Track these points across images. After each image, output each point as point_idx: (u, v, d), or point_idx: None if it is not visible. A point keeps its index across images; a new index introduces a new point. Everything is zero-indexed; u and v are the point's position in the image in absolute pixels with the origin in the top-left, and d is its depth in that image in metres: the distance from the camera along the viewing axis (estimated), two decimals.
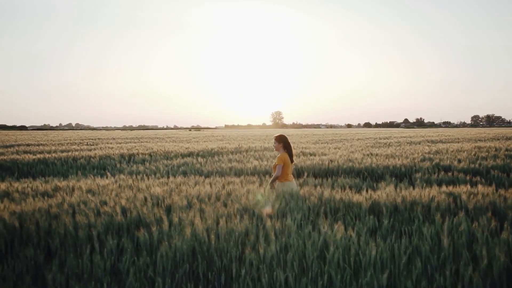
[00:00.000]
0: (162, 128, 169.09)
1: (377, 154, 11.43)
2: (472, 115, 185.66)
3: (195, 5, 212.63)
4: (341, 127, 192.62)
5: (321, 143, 18.69)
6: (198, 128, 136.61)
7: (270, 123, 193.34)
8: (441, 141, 18.69)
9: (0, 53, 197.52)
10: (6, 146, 18.08)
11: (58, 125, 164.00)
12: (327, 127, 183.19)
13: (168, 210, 4.89)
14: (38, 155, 12.28)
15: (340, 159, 10.06)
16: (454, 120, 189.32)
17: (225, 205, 5.06)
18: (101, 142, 20.90)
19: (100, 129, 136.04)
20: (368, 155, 11.36)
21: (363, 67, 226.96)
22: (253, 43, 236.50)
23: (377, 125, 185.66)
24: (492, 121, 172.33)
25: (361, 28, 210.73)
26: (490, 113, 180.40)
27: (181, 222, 4.22)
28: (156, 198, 5.42)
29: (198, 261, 3.57)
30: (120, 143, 19.89)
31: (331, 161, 9.74)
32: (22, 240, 4.08)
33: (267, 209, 4.82)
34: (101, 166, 10.83)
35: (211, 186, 6.53)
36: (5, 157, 11.70)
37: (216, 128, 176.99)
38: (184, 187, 6.27)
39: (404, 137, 24.78)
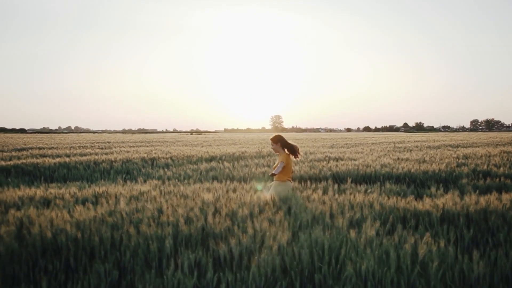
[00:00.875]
0: (162, 132, 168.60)
1: (407, 159, 11.14)
2: (471, 119, 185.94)
3: (195, 9, 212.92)
4: (340, 131, 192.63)
5: (338, 147, 18.39)
6: (199, 132, 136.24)
7: (270, 127, 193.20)
8: (460, 146, 18.42)
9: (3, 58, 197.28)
10: (19, 150, 17.70)
11: (57, 128, 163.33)
12: (327, 131, 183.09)
13: (231, 219, 4.57)
14: (58, 159, 11.94)
15: (373, 164, 9.76)
16: (453, 124, 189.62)
17: (289, 214, 4.76)
18: (114, 146, 20.55)
19: (100, 132, 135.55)
20: (397, 159, 11.08)
21: (363, 71, 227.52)
22: (252, 47, 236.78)
23: (376, 129, 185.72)
24: (491, 125, 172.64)
25: (360, 32, 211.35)
26: (488, 117, 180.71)
27: (256, 234, 3.90)
28: (210, 205, 5.10)
29: (292, 278, 3.26)
30: (133, 147, 19.55)
31: (366, 166, 9.44)
32: (86, 253, 3.76)
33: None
34: (125, 171, 10.51)
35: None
36: (25, 161, 11.35)
37: (215, 131, 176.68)
38: (232, 194, 5.94)
39: (418, 141, 24.50)
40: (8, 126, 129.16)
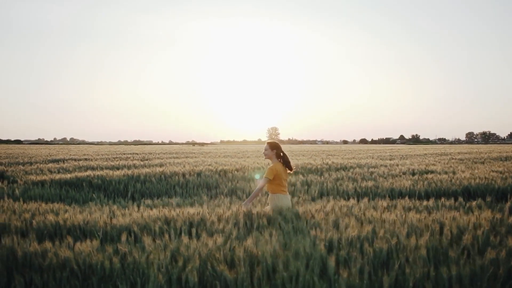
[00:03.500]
0: (157, 143, 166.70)
1: (502, 172, 10.32)
2: (466, 132, 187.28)
3: (189, 20, 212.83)
4: (336, 143, 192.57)
5: (399, 159, 17.51)
6: (202, 144, 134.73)
7: (266, 139, 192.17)
8: (481, 159, 17.50)
9: None
10: (54, 161, 16.55)
11: (52, 139, 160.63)
12: (323, 143, 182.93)
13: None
14: (121, 171, 10.90)
15: (483, 176, 8.89)
16: (449, 137, 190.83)
17: None
18: (149, 157, 19.48)
19: (96, 144, 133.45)
20: (499, 172, 10.24)
21: (359, 84, 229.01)
22: (247, 58, 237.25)
23: (373, 141, 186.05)
24: (487, 138, 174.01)
25: (357, 44, 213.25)
26: (483, 130, 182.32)
27: None
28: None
29: None
30: (173, 158, 18.52)
31: (479, 179, 8.57)
32: None
33: None
34: (205, 184, 9.51)
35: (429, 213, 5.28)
36: (91, 173, 10.29)
37: (211, 143, 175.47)
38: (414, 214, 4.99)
39: (465, 153, 23.70)
40: (3, 137, 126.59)
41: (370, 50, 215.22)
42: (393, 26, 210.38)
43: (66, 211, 5.82)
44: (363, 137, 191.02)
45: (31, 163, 15.73)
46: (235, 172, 10.81)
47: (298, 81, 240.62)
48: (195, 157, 20.30)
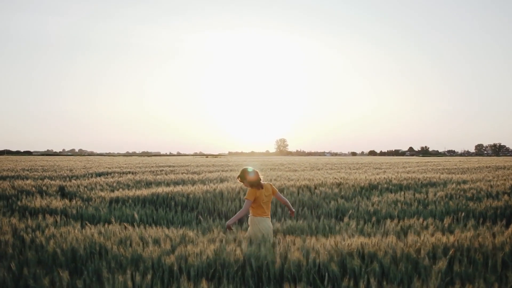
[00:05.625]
0: (166, 155, 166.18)
1: None
2: (476, 144, 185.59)
3: (195, 32, 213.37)
4: (345, 155, 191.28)
5: (458, 174, 16.56)
6: (214, 155, 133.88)
7: (274, 150, 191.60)
8: None
9: (4, 81, 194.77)
10: (100, 174, 15.72)
11: (61, 150, 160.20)
12: (332, 155, 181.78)
13: None
14: (197, 187, 10.03)
15: None
16: (458, 149, 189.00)
17: None
18: (193, 171, 18.62)
19: (104, 155, 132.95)
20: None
21: (366, 96, 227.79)
22: (254, 69, 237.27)
23: (382, 153, 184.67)
24: (497, 150, 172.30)
25: (364, 55, 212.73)
26: (492, 142, 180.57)
27: None
28: None
29: None
30: (207, 172, 17.64)
31: None
32: None
33: None
34: (300, 203, 8.62)
35: None
36: (172, 189, 9.43)
37: (219, 155, 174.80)
38: None
39: (495, 168, 22.68)
40: (13, 148, 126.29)
41: (377, 62, 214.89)
42: (399, 37, 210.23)
43: (191, 240, 4.96)
44: (371, 149, 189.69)
45: (77, 177, 14.91)
46: (320, 188, 9.91)
47: (305, 93, 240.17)
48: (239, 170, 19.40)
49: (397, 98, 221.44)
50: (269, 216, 5.11)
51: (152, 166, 22.73)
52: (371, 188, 10.21)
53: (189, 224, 7.17)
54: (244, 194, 9.13)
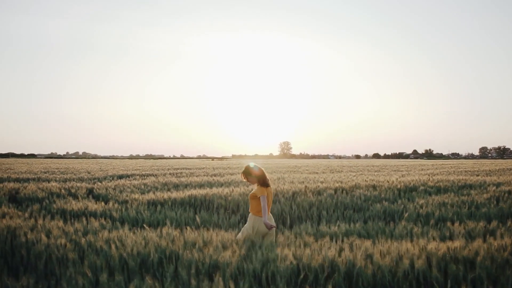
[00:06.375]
0: (169, 158, 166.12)
1: None
2: (480, 147, 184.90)
3: (197, 34, 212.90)
4: (349, 157, 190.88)
5: (471, 175, 16.30)
6: (220, 158, 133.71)
7: (277, 153, 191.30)
8: None
9: (7, 84, 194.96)
10: (123, 177, 15.50)
11: (65, 153, 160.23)
12: (336, 158, 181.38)
13: None
14: (233, 189, 9.79)
15: None
16: (462, 151, 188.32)
17: None
18: (212, 173, 18.40)
19: (108, 158, 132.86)
20: None
21: (369, 98, 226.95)
22: (257, 73, 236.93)
23: (386, 156, 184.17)
24: (502, 152, 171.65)
25: (367, 58, 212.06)
26: (496, 145, 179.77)
27: None
28: None
29: None
30: (226, 175, 17.41)
31: None
32: None
33: None
34: (341, 206, 8.37)
35: None
36: (208, 192, 9.20)
37: (223, 157, 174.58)
38: None
39: (490, 170, 22.32)
40: (17, 151, 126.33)
41: (380, 64, 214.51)
42: (403, 40, 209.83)
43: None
44: (374, 152, 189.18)
45: (99, 179, 14.71)
46: (357, 190, 9.67)
47: (308, 95, 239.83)
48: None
49: (401, 100, 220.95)
50: (271, 216, 5.05)
51: (168, 169, 22.53)
52: (409, 190, 9.96)
53: (236, 227, 6.93)
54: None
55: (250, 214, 5.04)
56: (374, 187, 10.32)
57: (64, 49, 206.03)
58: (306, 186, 9.94)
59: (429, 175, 14.73)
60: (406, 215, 6.96)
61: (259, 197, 4.85)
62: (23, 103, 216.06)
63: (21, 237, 5.34)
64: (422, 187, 10.27)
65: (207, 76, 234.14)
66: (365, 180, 12.06)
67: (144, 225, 6.25)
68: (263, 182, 4.93)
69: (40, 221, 6.22)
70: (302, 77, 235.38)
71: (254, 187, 5.12)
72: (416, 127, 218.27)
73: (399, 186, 10.28)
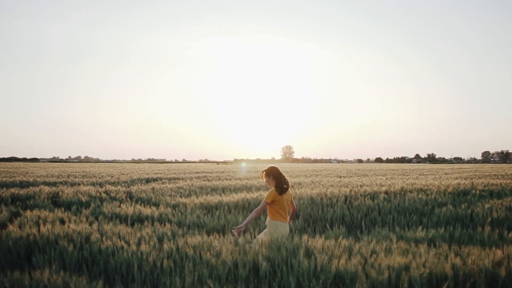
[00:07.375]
0: (171, 162, 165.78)
1: None
2: (482, 151, 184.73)
3: (199, 38, 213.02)
4: (351, 162, 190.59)
5: (492, 178, 16.01)
6: (226, 162, 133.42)
7: (279, 157, 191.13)
8: None
9: (8, 88, 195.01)
10: (150, 180, 15.22)
11: (67, 157, 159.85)
12: (338, 162, 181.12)
13: None
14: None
15: None
16: (464, 156, 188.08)
17: None
18: (225, 177, 18.11)
19: (110, 162, 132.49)
20: None
21: (371, 103, 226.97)
22: (258, 77, 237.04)
23: (388, 161, 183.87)
24: (505, 157, 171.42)
25: (369, 62, 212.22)
26: (499, 149, 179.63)
27: None
28: None
29: None
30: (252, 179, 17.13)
31: None
32: None
33: None
34: (397, 210, 8.08)
35: None
36: (247, 196, 8.91)
37: (225, 162, 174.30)
38: None
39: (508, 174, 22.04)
40: (19, 155, 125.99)
41: (382, 68, 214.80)
42: (405, 44, 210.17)
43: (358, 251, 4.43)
44: (377, 156, 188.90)
45: (127, 183, 14.41)
46: (409, 194, 9.37)
47: (310, 99, 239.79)
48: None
49: (403, 104, 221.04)
50: (287, 221, 4.96)
51: (189, 173, 22.23)
52: (462, 194, 9.68)
53: (304, 231, 6.64)
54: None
55: (268, 218, 4.92)
56: (422, 190, 10.03)
57: (66, 53, 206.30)
58: (351, 190, 9.65)
59: (470, 179, 14.44)
60: (489, 220, 6.66)
61: (272, 201, 4.76)
62: (24, 107, 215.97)
63: (97, 243, 5.05)
64: (473, 191, 9.98)
65: (209, 80, 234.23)
66: (407, 183, 11.77)
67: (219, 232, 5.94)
68: (279, 187, 4.78)
69: (106, 226, 5.93)
70: (304, 81, 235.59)
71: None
72: (418, 131, 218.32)
73: (449, 190, 9.99)
